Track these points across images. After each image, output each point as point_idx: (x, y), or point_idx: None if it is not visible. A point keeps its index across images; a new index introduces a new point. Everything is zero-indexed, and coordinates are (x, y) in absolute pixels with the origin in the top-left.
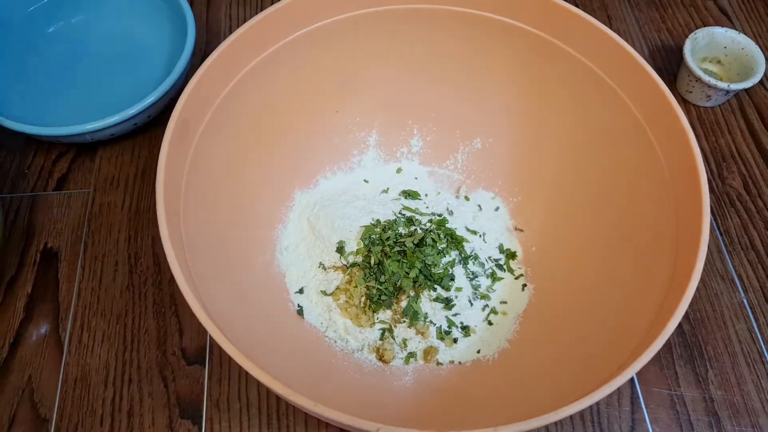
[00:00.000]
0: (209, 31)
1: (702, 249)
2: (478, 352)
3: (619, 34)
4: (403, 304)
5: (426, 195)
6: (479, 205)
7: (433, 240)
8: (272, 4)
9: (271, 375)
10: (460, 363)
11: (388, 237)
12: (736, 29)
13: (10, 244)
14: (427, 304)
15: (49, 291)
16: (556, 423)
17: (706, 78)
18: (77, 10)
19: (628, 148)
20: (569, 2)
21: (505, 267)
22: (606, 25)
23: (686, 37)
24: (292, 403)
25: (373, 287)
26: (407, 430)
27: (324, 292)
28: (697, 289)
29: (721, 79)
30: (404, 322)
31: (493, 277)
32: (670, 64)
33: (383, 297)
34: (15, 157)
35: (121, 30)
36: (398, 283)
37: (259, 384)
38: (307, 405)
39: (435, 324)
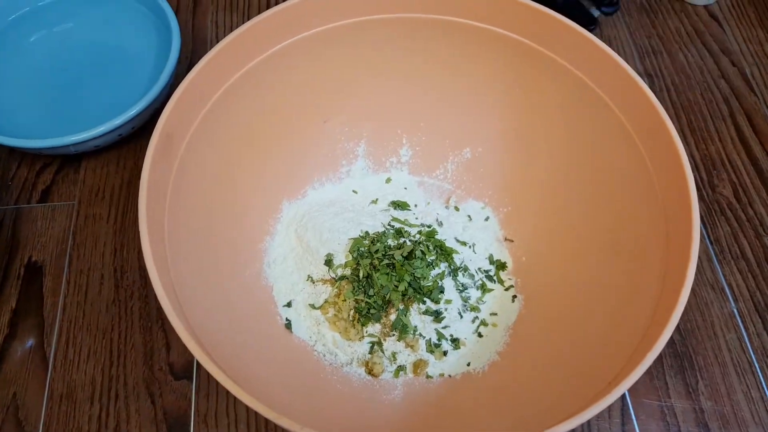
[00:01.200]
0: (196, 39)
1: (692, 264)
2: (468, 364)
3: (609, 40)
4: (392, 317)
5: (415, 205)
6: (469, 216)
7: (422, 252)
8: (259, 11)
9: (256, 396)
10: (450, 376)
11: (377, 249)
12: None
13: None
14: (416, 317)
15: (33, 305)
16: None
17: None
18: (60, 18)
19: (618, 159)
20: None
21: (495, 278)
22: (597, 32)
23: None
24: (279, 424)
25: (362, 300)
26: None
27: (312, 306)
28: (687, 298)
29: None
30: (393, 335)
31: (483, 288)
32: (660, 70)
33: (372, 310)
34: None
35: (104, 39)
36: (387, 297)
37: None
38: (294, 429)
39: (424, 337)
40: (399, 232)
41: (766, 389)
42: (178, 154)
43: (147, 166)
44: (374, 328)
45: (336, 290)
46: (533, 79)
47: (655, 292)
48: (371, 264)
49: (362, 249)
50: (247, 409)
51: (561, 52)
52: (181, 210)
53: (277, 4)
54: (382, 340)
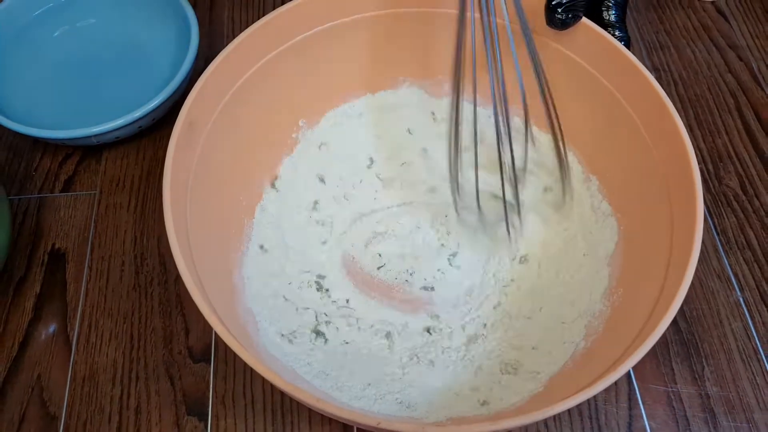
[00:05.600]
0: (213, 34)
1: (695, 248)
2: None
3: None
4: None
5: None
6: None
7: None
8: (274, 7)
9: (273, 370)
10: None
11: None
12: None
13: (18, 245)
14: None
15: (57, 291)
16: (554, 419)
17: None
18: (83, 14)
19: (625, 149)
20: None
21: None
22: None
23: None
24: (296, 399)
25: None
26: (406, 424)
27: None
28: (694, 287)
29: None
30: None
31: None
32: (668, 65)
33: None
34: (22, 160)
35: (125, 34)
36: None
37: (263, 381)
38: (310, 401)
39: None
40: None
41: None
42: (199, 142)
43: (171, 151)
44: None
45: None
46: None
47: (660, 275)
48: None
49: None
50: (264, 390)
51: (567, 44)
52: (201, 197)
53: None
54: None
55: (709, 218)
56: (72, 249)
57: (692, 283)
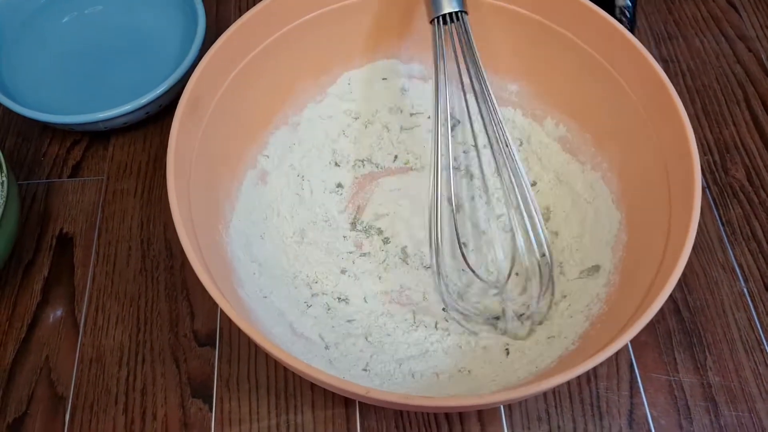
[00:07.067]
0: (220, 21)
1: (694, 216)
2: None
3: None
4: None
5: None
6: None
7: None
8: None
9: (274, 343)
10: None
11: None
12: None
13: (26, 230)
14: None
15: (64, 275)
16: (555, 406)
17: None
18: (90, 1)
19: (629, 137)
20: None
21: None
22: None
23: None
24: (292, 368)
25: None
26: (394, 393)
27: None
28: (698, 277)
29: None
30: None
31: None
32: (676, 56)
33: None
34: (31, 145)
35: (133, 21)
36: None
37: (267, 366)
38: (302, 368)
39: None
40: None
41: None
42: (204, 117)
43: (175, 127)
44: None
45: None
46: (544, 56)
47: (657, 257)
48: None
49: None
50: (268, 374)
51: (572, 29)
52: (205, 173)
53: None
54: None
55: (714, 209)
56: (79, 233)
57: (696, 273)
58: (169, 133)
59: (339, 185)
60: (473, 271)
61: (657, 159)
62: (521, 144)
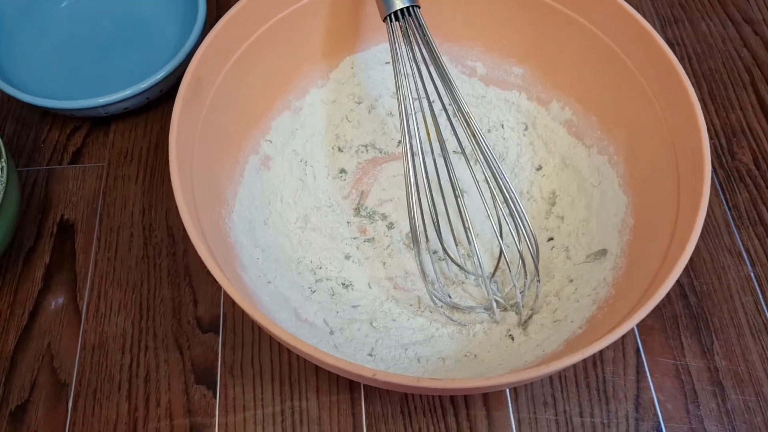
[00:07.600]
0: (220, 8)
1: (701, 214)
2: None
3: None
4: None
5: None
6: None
7: None
8: None
9: (277, 324)
10: None
11: None
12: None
13: (27, 216)
14: None
15: (66, 262)
16: (561, 390)
17: None
18: None
19: (636, 120)
20: None
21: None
22: None
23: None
24: (298, 351)
25: None
26: (402, 375)
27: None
28: (704, 261)
29: None
30: None
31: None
32: (682, 39)
33: None
34: (31, 132)
35: (133, 5)
36: None
37: (272, 352)
38: (308, 350)
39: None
40: None
41: None
42: (206, 99)
43: (177, 108)
44: None
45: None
46: (553, 39)
47: (666, 237)
48: None
49: None
50: (272, 361)
51: (582, 12)
52: (208, 155)
53: None
54: None
55: (721, 193)
56: (81, 220)
57: (702, 258)
58: (169, 119)
59: (342, 170)
60: (459, 265)
61: (665, 142)
62: (526, 128)
